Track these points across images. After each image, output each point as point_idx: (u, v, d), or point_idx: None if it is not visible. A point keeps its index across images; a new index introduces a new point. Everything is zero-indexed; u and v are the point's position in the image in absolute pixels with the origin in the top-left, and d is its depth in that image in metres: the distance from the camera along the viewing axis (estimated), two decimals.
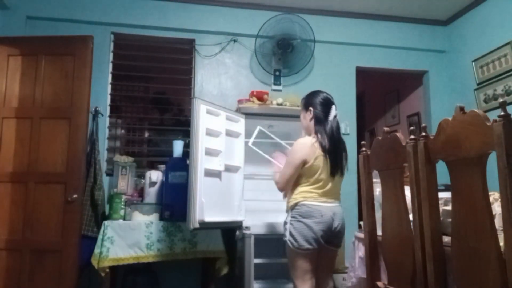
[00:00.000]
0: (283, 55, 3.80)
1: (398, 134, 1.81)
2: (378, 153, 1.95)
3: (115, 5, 3.62)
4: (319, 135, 2.29)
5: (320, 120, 2.32)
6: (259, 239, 2.96)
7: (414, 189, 1.64)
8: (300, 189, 2.28)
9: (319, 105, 2.35)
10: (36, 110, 2.97)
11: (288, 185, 2.32)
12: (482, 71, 3.64)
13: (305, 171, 2.27)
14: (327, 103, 2.35)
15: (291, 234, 2.21)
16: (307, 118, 2.39)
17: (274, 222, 3.00)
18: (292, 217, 2.25)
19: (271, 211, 3.01)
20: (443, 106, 4.03)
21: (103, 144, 3.47)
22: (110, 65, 3.62)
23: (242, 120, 3.09)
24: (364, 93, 5.30)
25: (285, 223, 2.29)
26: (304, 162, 2.25)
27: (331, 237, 2.27)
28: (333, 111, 2.34)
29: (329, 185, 2.28)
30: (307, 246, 2.17)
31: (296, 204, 2.25)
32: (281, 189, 2.37)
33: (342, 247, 3.38)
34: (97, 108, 3.37)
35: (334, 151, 2.28)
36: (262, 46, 3.79)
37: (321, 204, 2.24)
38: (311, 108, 2.36)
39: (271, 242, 2.94)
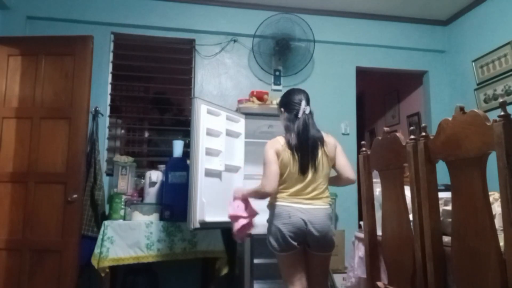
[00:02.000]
0: (283, 55, 3.80)
1: (398, 134, 1.81)
2: (378, 153, 1.95)
3: (115, 5, 3.62)
4: (287, 134, 2.21)
5: (290, 119, 2.24)
6: (259, 239, 2.96)
7: (414, 189, 1.64)
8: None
9: (288, 104, 2.28)
10: (36, 110, 2.97)
11: (276, 183, 2.13)
12: (482, 71, 3.64)
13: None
14: (297, 101, 2.25)
15: (267, 235, 2.18)
16: (281, 119, 2.34)
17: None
18: (268, 218, 2.23)
19: (266, 211, 3.01)
20: (443, 106, 4.03)
21: (103, 144, 3.47)
22: (110, 65, 3.62)
23: (242, 120, 3.09)
24: (364, 93, 5.30)
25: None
26: (278, 157, 2.15)
27: (309, 241, 2.14)
28: (302, 107, 2.23)
29: (300, 184, 2.15)
30: (278, 248, 2.12)
31: (269, 205, 2.23)
32: (271, 189, 2.13)
33: (342, 247, 3.40)
34: (97, 108, 3.37)
35: (303, 148, 2.16)
36: (261, 46, 3.79)
37: (291, 205, 2.13)
38: (282, 109, 2.32)
39: (263, 242, 2.94)
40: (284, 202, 2.14)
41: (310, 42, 3.79)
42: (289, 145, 2.16)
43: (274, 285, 3.12)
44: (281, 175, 2.15)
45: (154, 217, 2.94)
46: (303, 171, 2.14)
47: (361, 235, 2.18)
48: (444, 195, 1.75)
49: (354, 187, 3.70)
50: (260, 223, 2.99)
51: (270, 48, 3.80)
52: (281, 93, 3.67)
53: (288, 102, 2.28)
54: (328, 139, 2.26)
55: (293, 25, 3.76)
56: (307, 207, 2.13)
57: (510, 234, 1.20)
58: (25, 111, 2.97)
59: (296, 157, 2.14)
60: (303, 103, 2.24)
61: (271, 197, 2.19)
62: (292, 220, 2.09)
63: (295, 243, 2.10)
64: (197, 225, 2.51)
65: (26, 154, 2.92)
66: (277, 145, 2.18)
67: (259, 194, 2.22)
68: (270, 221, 2.18)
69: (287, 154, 2.15)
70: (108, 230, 2.78)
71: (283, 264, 2.17)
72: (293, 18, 3.75)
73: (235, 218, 2.31)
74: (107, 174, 3.44)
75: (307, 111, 2.24)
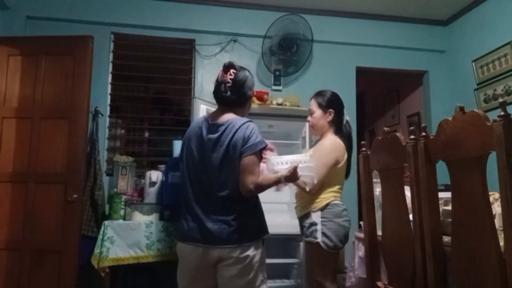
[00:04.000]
0: (284, 55, 3.80)
1: (398, 134, 1.81)
2: (378, 153, 1.95)
3: (115, 5, 3.62)
4: (342, 138, 2.32)
5: (339, 123, 2.36)
6: None
7: (414, 189, 1.64)
8: (329, 189, 2.26)
9: (336, 106, 2.36)
10: (36, 110, 2.97)
11: (319, 186, 2.24)
12: (482, 71, 3.64)
13: (337, 171, 2.27)
14: (342, 104, 2.40)
15: (325, 235, 2.18)
16: (325, 119, 2.34)
17: (274, 222, 2.98)
18: (323, 217, 2.21)
19: (272, 211, 3.01)
20: (443, 106, 4.03)
21: (103, 144, 3.47)
22: (110, 65, 3.62)
23: None
24: (364, 93, 5.30)
25: (314, 224, 2.22)
26: (337, 163, 2.25)
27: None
28: (346, 116, 2.40)
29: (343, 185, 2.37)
30: (340, 245, 2.23)
31: (327, 205, 2.23)
32: (314, 190, 2.23)
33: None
34: (97, 108, 3.37)
35: (349, 155, 2.35)
36: (263, 46, 3.79)
37: (343, 203, 2.31)
38: (331, 110, 2.34)
39: (271, 242, 2.94)
40: (340, 201, 2.30)
41: (308, 42, 3.79)
42: (347, 150, 2.31)
43: (274, 285, 3.12)
44: (340, 175, 2.31)
45: (154, 217, 2.94)
46: (347, 175, 2.38)
47: (361, 235, 2.18)
48: (444, 195, 1.75)
49: (354, 187, 3.72)
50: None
51: (270, 48, 3.80)
52: (281, 93, 3.75)
53: (338, 106, 2.37)
54: None
55: (294, 25, 3.76)
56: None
57: (510, 234, 1.20)
58: (25, 111, 2.97)
59: (346, 163, 2.32)
60: (345, 111, 2.40)
61: (328, 195, 2.25)
62: (349, 217, 2.29)
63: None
64: None
65: (26, 154, 2.92)
66: (343, 149, 2.29)
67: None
68: (329, 219, 2.20)
69: (345, 159, 2.30)
70: (108, 230, 2.78)
71: (333, 262, 2.27)
72: (294, 18, 3.75)
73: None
74: (107, 174, 3.44)
75: (348, 118, 2.41)
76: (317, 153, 2.29)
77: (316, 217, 2.22)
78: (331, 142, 2.30)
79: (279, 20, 3.72)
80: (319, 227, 2.20)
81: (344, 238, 2.24)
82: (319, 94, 2.41)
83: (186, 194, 1.84)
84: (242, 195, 1.76)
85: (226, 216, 1.76)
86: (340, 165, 2.27)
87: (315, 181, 2.12)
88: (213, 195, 1.78)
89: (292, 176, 1.82)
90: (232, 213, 1.76)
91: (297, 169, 1.82)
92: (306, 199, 2.30)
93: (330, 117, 2.34)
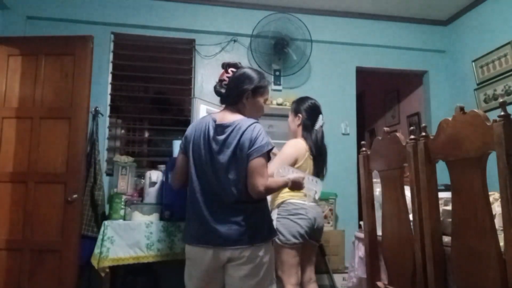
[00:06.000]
0: (282, 54, 3.80)
1: (398, 134, 1.81)
2: (378, 153, 1.96)
3: (115, 5, 3.62)
4: (306, 141, 2.44)
5: (307, 128, 2.48)
6: None
7: (414, 189, 1.64)
8: (287, 188, 2.30)
9: (308, 112, 2.50)
10: (36, 110, 2.97)
11: None
12: (482, 71, 3.64)
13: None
14: (316, 112, 2.51)
15: (278, 230, 2.29)
16: (295, 123, 2.53)
17: (273, 222, 2.99)
18: (278, 214, 2.38)
19: (271, 211, 3.01)
20: (443, 106, 4.03)
21: (103, 144, 3.47)
22: (110, 65, 3.62)
23: None
24: (364, 93, 5.30)
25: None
26: (295, 161, 2.36)
27: (313, 234, 2.42)
28: (320, 121, 2.50)
29: None
30: (294, 240, 2.31)
31: (282, 202, 2.39)
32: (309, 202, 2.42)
33: (342, 247, 3.41)
34: (97, 108, 3.37)
35: (318, 158, 2.46)
36: (260, 46, 3.78)
37: (305, 203, 2.37)
38: (300, 115, 2.50)
39: None
40: (299, 200, 2.37)
41: (307, 42, 3.79)
42: (311, 151, 2.42)
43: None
44: None
45: (154, 217, 2.94)
46: (318, 175, 2.39)
47: (361, 235, 2.18)
48: (444, 195, 1.75)
49: (354, 187, 3.72)
50: None
51: (269, 48, 3.80)
52: (281, 93, 3.76)
53: (307, 110, 2.49)
54: None
55: (291, 24, 3.76)
56: (313, 205, 2.42)
57: (510, 234, 1.20)
58: (25, 111, 2.97)
59: (313, 164, 2.43)
60: (321, 117, 2.51)
61: (284, 195, 2.39)
62: (308, 216, 2.36)
63: (307, 237, 2.36)
64: None
65: (26, 154, 2.91)
66: (302, 149, 2.40)
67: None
68: (283, 216, 2.36)
69: (309, 160, 2.41)
70: (108, 230, 2.78)
71: (288, 257, 2.33)
72: (290, 18, 3.75)
73: None
74: (107, 174, 3.44)
75: (323, 126, 2.51)
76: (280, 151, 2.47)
77: (274, 214, 2.38)
78: (292, 143, 2.46)
79: (272, 18, 3.70)
80: (274, 223, 2.31)
81: (299, 234, 2.31)
82: (295, 100, 2.61)
83: (193, 194, 1.82)
84: (250, 197, 1.75)
85: (236, 217, 1.75)
86: (299, 164, 2.36)
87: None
88: (222, 196, 1.77)
89: (298, 184, 1.94)
90: (241, 214, 1.75)
91: (305, 181, 1.95)
92: (271, 197, 2.47)
93: (298, 121, 2.50)
